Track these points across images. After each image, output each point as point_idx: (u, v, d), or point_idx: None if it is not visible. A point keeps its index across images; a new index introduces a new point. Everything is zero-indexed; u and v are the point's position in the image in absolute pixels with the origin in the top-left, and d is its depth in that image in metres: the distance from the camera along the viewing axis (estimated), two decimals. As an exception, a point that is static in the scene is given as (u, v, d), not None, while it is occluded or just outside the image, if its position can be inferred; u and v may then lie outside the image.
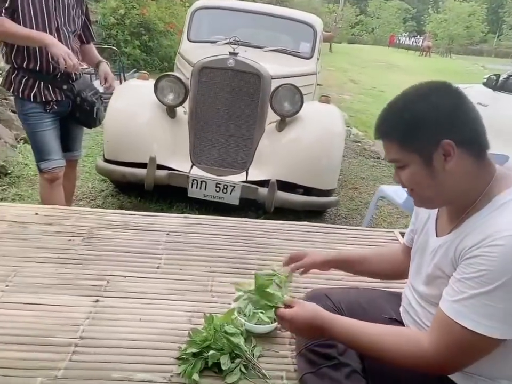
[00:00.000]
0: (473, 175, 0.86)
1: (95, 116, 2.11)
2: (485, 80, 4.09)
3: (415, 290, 1.02)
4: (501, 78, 3.92)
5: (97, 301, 1.28)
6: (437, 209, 1.00)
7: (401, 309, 1.09)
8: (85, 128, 2.30)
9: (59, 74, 1.97)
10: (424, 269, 0.98)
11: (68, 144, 2.19)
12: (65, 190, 2.19)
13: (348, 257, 1.24)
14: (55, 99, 2.00)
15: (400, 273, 1.19)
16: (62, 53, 1.83)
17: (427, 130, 0.84)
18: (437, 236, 0.96)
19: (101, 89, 2.25)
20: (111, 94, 2.71)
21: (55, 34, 1.92)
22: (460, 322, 0.80)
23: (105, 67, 2.16)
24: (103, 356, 1.08)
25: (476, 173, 0.86)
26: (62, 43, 1.91)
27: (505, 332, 0.78)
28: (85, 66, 2.13)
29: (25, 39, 1.85)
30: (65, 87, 2.01)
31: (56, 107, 2.02)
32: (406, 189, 0.93)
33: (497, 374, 0.87)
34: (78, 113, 2.08)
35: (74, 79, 2.04)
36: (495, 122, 3.74)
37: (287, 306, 1.00)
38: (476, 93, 4.18)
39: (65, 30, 1.98)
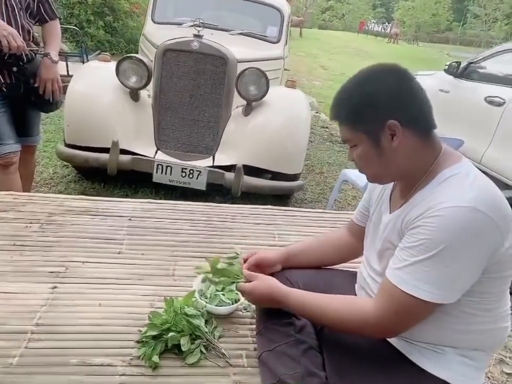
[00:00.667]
0: (420, 153, 0.90)
1: (51, 100, 2.00)
2: (446, 67, 4.19)
3: (369, 266, 1.06)
4: (462, 66, 4.04)
5: (55, 287, 1.26)
6: (391, 187, 1.04)
7: (356, 286, 1.13)
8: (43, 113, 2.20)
9: (7, 55, 1.83)
10: (376, 245, 1.03)
11: (24, 129, 2.08)
12: (23, 177, 2.10)
13: (295, 251, 1.23)
14: (2, 81, 1.88)
15: (347, 259, 1.25)
16: (5, 33, 1.72)
17: (373, 112, 0.88)
18: (390, 213, 1.00)
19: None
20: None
21: (3, 9, 1.80)
22: (400, 287, 0.85)
23: (42, 65, 1.93)
24: (61, 342, 1.07)
25: (422, 151, 0.90)
26: (10, 19, 1.80)
27: (442, 296, 0.83)
28: (34, 47, 1.98)
29: None
30: (15, 69, 1.88)
31: (5, 90, 1.90)
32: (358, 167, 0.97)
33: (440, 341, 0.92)
34: (33, 96, 1.97)
35: (26, 61, 1.90)
36: (454, 109, 3.88)
37: (248, 281, 1.06)
38: (438, 80, 4.31)
39: (14, 5, 1.85)
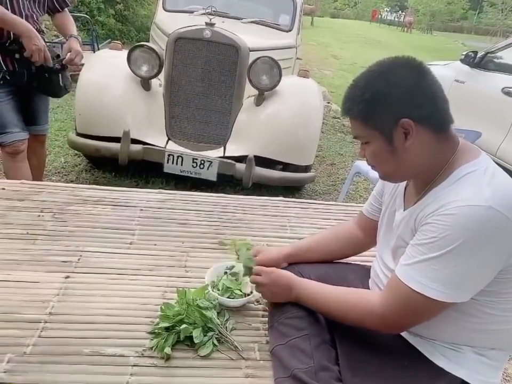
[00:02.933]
0: (435, 150, 0.87)
1: (60, 83, 1.97)
2: (463, 57, 4.10)
3: (382, 263, 1.04)
4: (478, 56, 3.94)
5: (67, 277, 1.26)
6: (405, 182, 1.01)
7: (370, 281, 1.12)
8: (57, 101, 2.19)
9: (8, 42, 1.82)
10: (390, 242, 1.01)
11: (31, 117, 2.07)
12: (33, 166, 2.10)
13: (302, 247, 1.22)
14: (5, 69, 1.86)
15: (355, 253, 1.23)
16: (35, 48, 1.74)
17: (386, 109, 0.84)
18: (404, 210, 0.98)
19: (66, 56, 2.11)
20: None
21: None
22: (408, 284, 0.84)
23: (71, 42, 1.99)
24: (73, 332, 1.07)
25: (437, 148, 0.87)
26: (14, 8, 1.78)
27: (450, 296, 0.81)
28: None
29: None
30: (17, 56, 1.86)
31: (9, 78, 1.88)
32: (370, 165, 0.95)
33: (458, 340, 0.91)
34: (35, 82, 1.94)
35: None
36: (470, 100, 3.80)
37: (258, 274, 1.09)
38: (454, 70, 4.21)
39: None
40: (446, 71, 4.27)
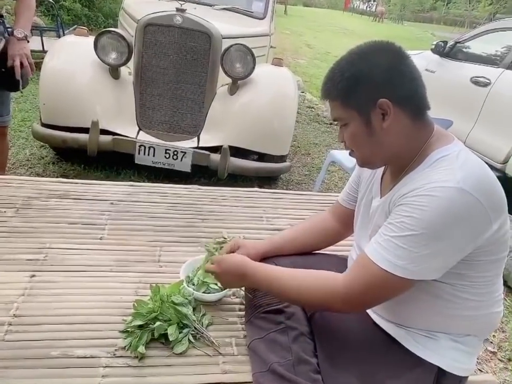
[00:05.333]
0: (411, 134, 0.87)
1: (17, 77, 1.81)
2: (433, 46, 4.15)
3: (360, 251, 1.04)
4: (448, 45, 4.00)
5: (33, 276, 1.19)
6: (382, 170, 1.01)
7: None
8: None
9: None
10: (368, 230, 1.00)
11: None
12: (-5, 160, 1.99)
13: (277, 243, 1.20)
14: None
15: (330, 243, 1.22)
16: (21, 52, 1.66)
17: (365, 89, 0.85)
18: (380, 197, 0.97)
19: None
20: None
21: None
22: (376, 262, 0.83)
23: (10, 44, 1.77)
24: (41, 334, 1.01)
25: (413, 132, 0.87)
26: None
27: (414, 273, 0.81)
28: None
29: None
30: None
31: None
32: (349, 151, 0.94)
33: (433, 327, 0.91)
34: None
35: None
36: (441, 88, 3.86)
37: None
38: (425, 60, 4.27)
39: None
40: (417, 61, 4.21)
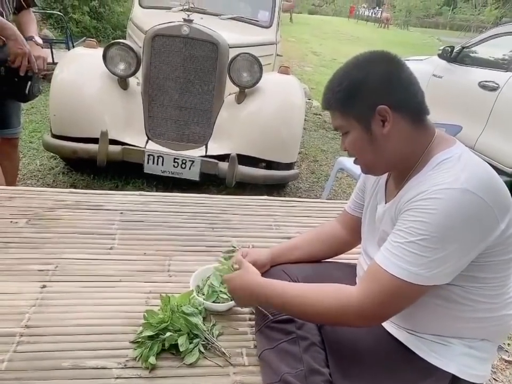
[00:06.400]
0: (412, 139, 0.88)
1: (27, 89, 1.87)
2: (440, 52, 4.14)
3: (368, 258, 1.03)
4: (455, 50, 3.99)
5: (44, 286, 1.20)
6: (386, 176, 1.01)
7: (357, 279, 1.10)
8: (31, 102, 2.08)
9: None
10: (375, 236, 1.00)
11: (2, 120, 1.97)
12: (6, 170, 2.00)
13: (284, 252, 1.19)
14: None
15: (339, 253, 1.22)
16: (21, 52, 1.67)
17: (363, 97, 0.86)
18: (385, 203, 0.97)
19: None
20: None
21: None
22: (387, 269, 0.82)
23: (30, 47, 1.82)
24: (52, 345, 1.02)
25: (414, 137, 0.88)
26: None
27: (428, 278, 0.79)
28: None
29: None
30: None
31: None
32: (352, 158, 0.95)
33: (446, 332, 0.90)
34: (5, 86, 1.84)
35: None
36: (449, 94, 3.85)
37: None
38: (432, 65, 4.26)
39: None
40: (424, 66, 4.31)
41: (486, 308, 0.87)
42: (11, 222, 1.48)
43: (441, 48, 4.19)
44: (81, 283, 1.23)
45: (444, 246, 0.78)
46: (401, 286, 0.80)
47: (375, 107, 0.84)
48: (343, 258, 1.25)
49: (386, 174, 1.00)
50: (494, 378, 1.62)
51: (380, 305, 0.84)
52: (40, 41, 1.91)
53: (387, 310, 0.85)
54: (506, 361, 1.73)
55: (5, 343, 1.00)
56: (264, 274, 1.11)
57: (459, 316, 0.87)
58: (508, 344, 1.82)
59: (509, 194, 0.83)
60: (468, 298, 0.86)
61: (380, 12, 26.88)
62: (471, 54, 3.93)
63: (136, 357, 1.00)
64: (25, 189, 1.80)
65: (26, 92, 1.89)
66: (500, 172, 3.07)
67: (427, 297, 0.85)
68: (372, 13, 29.31)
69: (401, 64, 0.88)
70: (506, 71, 3.29)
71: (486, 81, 3.40)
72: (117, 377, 0.95)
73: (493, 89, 3.31)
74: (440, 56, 4.14)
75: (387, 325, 0.97)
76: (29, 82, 1.87)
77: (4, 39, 1.71)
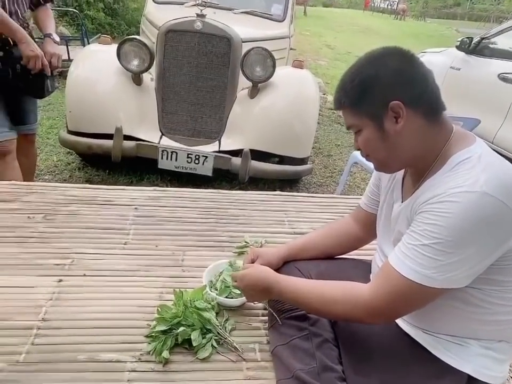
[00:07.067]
0: (427, 135, 0.85)
1: (43, 85, 1.90)
2: (458, 43, 4.05)
3: (383, 256, 1.02)
4: (473, 42, 3.89)
5: (60, 280, 1.22)
6: (402, 173, 0.99)
7: (371, 276, 1.09)
8: (47, 98, 2.12)
9: None
10: (391, 235, 0.98)
11: (20, 116, 2.00)
12: (24, 166, 2.04)
13: (298, 248, 1.19)
14: None
15: (352, 249, 1.21)
16: (32, 54, 1.70)
17: (375, 93, 0.84)
18: (402, 202, 0.95)
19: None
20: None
21: None
22: (400, 271, 0.81)
23: (46, 44, 1.89)
24: (68, 338, 1.03)
25: (429, 133, 0.85)
26: (5, 4, 1.72)
27: (442, 282, 0.78)
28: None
29: None
30: (1, 53, 1.79)
31: None
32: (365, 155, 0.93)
33: (463, 333, 0.88)
34: (21, 82, 1.86)
35: (12, 44, 1.80)
36: (466, 86, 3.76)
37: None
38: (449, 57, 4.17)
39: None
40: (441, 58, 4.22)
41: (504, 311, 0.85)
42: (28, 217, 1.51)
43: (459, 39, 4.09)
44: (96, 277, 1.25)
45: (459, 250, 0.76)
46: (412, 288, 0.80)
47: (388, 103, 0.82)
48: (359, 254, 1.24)
49: (402, 171, 0.98)
50: (512, 378, 1.58)
51: (390, 305, 0.84)
52: (57, 38, 1.94)
53: (397, 310, 0.85)
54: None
55: (23, 335, 1.02)
56: (276, 270, 1.11)
57: (477, 318, 0.86)
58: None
59: None
60: (486, 301, 0.84)
61: (396, 3, 26.34)
62: (491, 45, 3.83)
63: (150, 351, 1.01)
64: (41, 184, 1.82)
65: (42, 88, 1.91)
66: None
67: (444, 299, 0.83)
68: (387, 5, 28.75)
69: (415, 59, 0.85)
70: (528, 62, 3.20)
71: (506, 73, 3.31)
72: (131, 371, 0.97)
73: (513, 81, 3.22)
74: (458, 47, 4.05)
75: (402, 323, 0.96)
76: (44, 79, 1.90)
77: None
